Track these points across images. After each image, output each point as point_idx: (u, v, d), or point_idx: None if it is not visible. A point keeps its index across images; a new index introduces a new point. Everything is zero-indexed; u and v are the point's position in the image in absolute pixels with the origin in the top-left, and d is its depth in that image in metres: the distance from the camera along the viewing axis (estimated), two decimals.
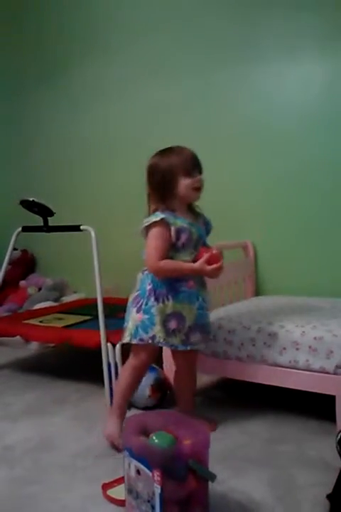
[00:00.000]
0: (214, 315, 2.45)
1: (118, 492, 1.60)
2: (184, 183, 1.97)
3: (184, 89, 3.44)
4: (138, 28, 3.63)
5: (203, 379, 2.68)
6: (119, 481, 1.64)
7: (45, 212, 2.80)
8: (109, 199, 3.84)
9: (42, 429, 2.21)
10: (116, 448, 1.93)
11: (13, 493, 1.70)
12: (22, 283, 4.07)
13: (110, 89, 3.81)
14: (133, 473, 1.44)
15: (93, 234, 2.59)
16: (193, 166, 1.99)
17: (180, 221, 1.97)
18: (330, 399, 2.01)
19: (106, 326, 2.43)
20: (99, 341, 2.41)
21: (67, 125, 4.07)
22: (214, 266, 1.95)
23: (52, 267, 4.21)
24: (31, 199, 2.77)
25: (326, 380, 2.03)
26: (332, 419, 1.99)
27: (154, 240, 1.95)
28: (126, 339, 2.02)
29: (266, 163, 3.14)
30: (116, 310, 3.10)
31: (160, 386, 2.35)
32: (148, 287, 1.98)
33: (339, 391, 1.98)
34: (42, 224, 2.83)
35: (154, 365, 2.39)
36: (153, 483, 1.36)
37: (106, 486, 1.66)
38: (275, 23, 3.05)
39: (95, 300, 2.52)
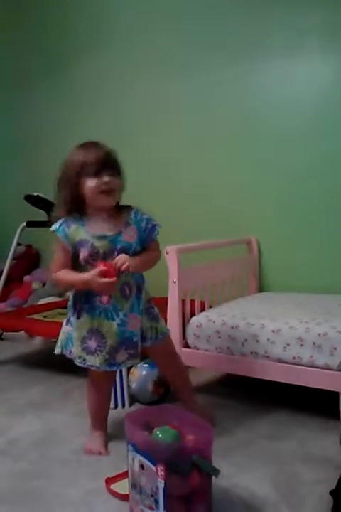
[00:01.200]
0: (217, 311, 2.46)
1: (122, 487, 1.60)
2: (89, 185, 1.78)
3: (187, 86, 3.43)
4: (140, 26, 3.62)
5: (207, 375, 2.69)
6: (123, 475, 1.64)
7: (49, 207, 2.80)
8: None
9: (46, 423, 2.22)
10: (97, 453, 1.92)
11: (17, 487, 1.71)
12: (26, 278, 4.08)
13: (112, 87, 3.81)
14: (136, 467, 1.45)
15: None
16: (100, 166, 1.78)
17: (83, 232, 1.81)
18: (334, 395, 2.01)
19: None
20: None
21: (70, 122, 4.06)
22: (106, 280, 1.72)
23: None
24: (36, 194, 2.79)
25: (330, 376, 2.03)
26: (336, 415, 1.99)
27: (54, 252, 1.87)
28: (57, 349, 1.97)
29: (270, 159, 3.13)
30: None
31: (163, 381, 2.35)
32: (71, 301, 1.92)
33: None
34: (46, 219, 2.84)
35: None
36: (156, 478, 1.37)
37: (109, 481, 1.67)
38: (278, 20, 3.04)
39: None
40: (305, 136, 2.99)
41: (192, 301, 2.52)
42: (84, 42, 3.95)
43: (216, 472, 1.43)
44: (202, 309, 2.54)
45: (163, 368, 2.18)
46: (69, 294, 1.96)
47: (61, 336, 1.97)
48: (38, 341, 3.46)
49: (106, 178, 1.78)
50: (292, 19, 2.98)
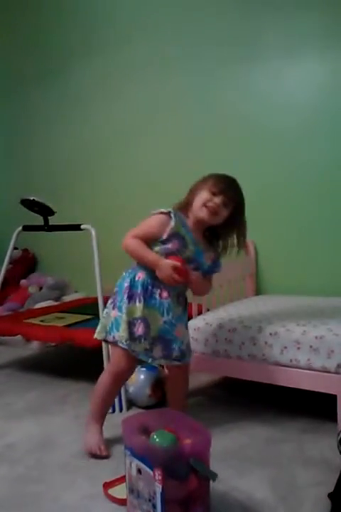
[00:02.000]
0: (214, 314, 2.45)
1: (120, 491, 1.60)
2: (199, 196, 1.95)
3: (183, 88, 3.45)
4: (136, 27, 3.64)
5: (204, 378, 2.68)
6: (120, 480, 1.64)
7: (45, 211, 2.80)
8: (110, 198, 3.84)
9: (43, 428, 2.21)
10: (99, 456, 1.90)
11: (15, 492, 1.70)
12: (23, 282, 4.07)
13: (109, 89, 3.82)
14: (134, 472, 1.44)
15: (93, 233, 2.59)
16: (219, 188, 1.94)
17: (184, 230, 1.95)
18: (331, 398, 2.01)
19: None
20: (100, 341, 2.40)
21: (67, 124, 4.08)
22: (175, 275, 1.87)
23: (52, 266, 4.21)
24: (32, 198, 2.77)
25: (327, 379, 2.03)
26: (333, 418, 1.99)
27: (145, 221, 1.98)
28: (100, 335, 2.03)
29: (267, 162, 3.14)
30: None
31: (161, 385, 2.35)
32: (125, 285, 1.97)
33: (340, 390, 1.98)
34: (42, 223, 2.83)
35: (155, 365, 2.39)
36: (154, 482, 1.36)
37: (107, 485, 1.66)
38: (275, 22, 3.06)
39: (96, 299, 2.52)
40: (302, 138, 3.00)
41: (190, 305, 2.51)
42: (79, 44, 3.96)
43: (213, 476, 1.43)
44: (200, 313, 2.54)
45: (176, 383, 2.13)
46: (122, 280, 2.01)
47: (105, 321, 2.02)
48: (34, 345, 3.46)
49: (217, 200, 1.94)
50: (290, 21, 3.00)
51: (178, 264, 1.88)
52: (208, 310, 2.59)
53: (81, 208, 3.91)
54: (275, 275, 3.15)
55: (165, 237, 1.93)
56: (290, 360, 2.11)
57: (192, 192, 2.00)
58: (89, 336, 2.52)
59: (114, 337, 1.95)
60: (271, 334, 2.17)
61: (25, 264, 4.28)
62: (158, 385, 2.35)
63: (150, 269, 1.94)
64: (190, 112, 3.43)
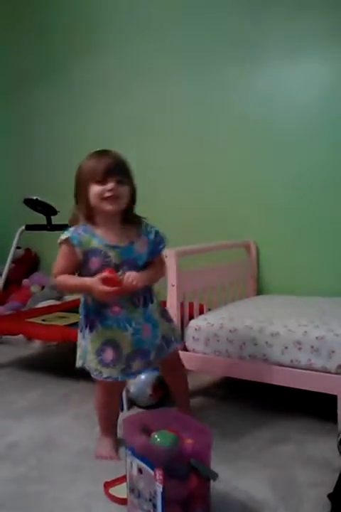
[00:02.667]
0: (216, 314, 2.46)
1: (120, 491, 1.60)
2: (93, 191, 1.80)
3: (185, 89, 3.44)
4: (138, 28, 3.63)
5: (205, 378, 2.69)
6: (121, 479, 1.64)
7: (48, 210, 2.81)
8: None
9: (45, 427, 2.22)
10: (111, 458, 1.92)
11: (16, 491, 1.71)
12: (25, 281, 4.08)
13: (111, 89, 3.82)
14: (135, 472, 1.45)
15: None
16: (107, 173, 1.79)
17: (96, 241, 1.81)
18: (332, 398, 2.02)
19: None
20: None
21: (69, 124, 4.08)
22: (107, 288, 1.71)
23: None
24: (35, 198, 2.79)
25: (328, 379, 2.03)
26: (334, 419, 1.99)
27: (58, 257, 1.86)
28: (78, 363, 1.93)
29: (269, 162, 3.14)
30: None
31: (162, 385, 2.36)
32: (84, 312, 1.90)
33: None
34: (45, 222, 2.84)
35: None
36: (154, 482, 1.37)
37: (108, 485, 1.67)
38: (276, 23, 3.05)
39: None
40: (304, 138, 3.00)
41: (191, 304, 2.53)
42: (81, 44, 3.96)
43: (214, 476, 1.44)
44: (201, 312, 2.55)
45: (171, 373, 2.14)
46: (80, 308, 1.93)
47: (79, 351, 1.93)
48: (36, 345, 3.46)
49: (110, 185, 1.79)
50: (291, 22, 2.99)
51: (103, 274, 1.73)
52: (209, 310, 2.60)
53: None
54: (276, 275, 3.15)
55: (81, 259, 1.82)
56: (291, 361, 2.12)
57: (81, 194, 1.85)
58: None
59: (89, 366, 1.88)
60: (271, 334, 2.18)
61: (28, 264, 4.28)
62: (159, 384, 2.36)
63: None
64: (191, 113, 3.43)
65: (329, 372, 2.03)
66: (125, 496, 1.54)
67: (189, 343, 2.40)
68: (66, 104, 4.09)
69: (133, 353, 1.86)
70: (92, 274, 1.78)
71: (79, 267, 1.84)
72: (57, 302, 3.72)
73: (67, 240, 1.83)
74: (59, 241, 1.86)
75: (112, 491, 1.64)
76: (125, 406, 2.36)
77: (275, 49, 3.07)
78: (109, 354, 1.84)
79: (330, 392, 2.02)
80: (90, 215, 1.85)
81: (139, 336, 1.87)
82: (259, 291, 3.18)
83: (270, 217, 3.14)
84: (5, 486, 1.74)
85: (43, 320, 3.00)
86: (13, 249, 2.99)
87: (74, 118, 4.05)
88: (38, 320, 3.01)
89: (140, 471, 1.43)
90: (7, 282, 3.17)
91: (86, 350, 1.88)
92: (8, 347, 3.48)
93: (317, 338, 2.07)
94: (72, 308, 3.35)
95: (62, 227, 2.79)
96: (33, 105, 4.29)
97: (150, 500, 1.40)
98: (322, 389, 2.05)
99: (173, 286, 2.40)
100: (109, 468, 1.80)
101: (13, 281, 3.93)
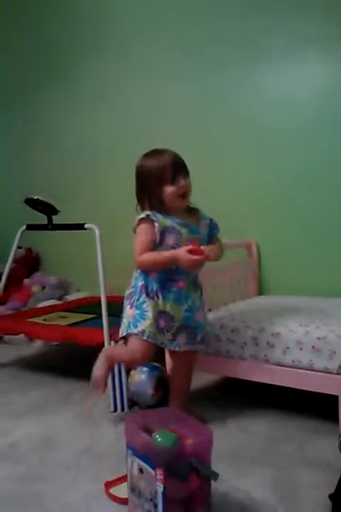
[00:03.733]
0: (216, 314, 2.46)
1: (121, 490, 1.60)
2: (168, 191, 1.98)
3: (186, 88, 3.45)
4: (139, 30, 3.64)
5: (205, 378, 2.68)
6: (122, 479, 1.64)
7: (49, 210, 2.81)
8: (113, 197, 3.85)
9: (46, 427, 2.22)
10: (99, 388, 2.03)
11: (17, 491, 1.71)
12: (26, 281, 4.08)
13: (111, 90, 3.83)
14: (136, 471, 1.45)
15: (97, 232, 2.60)
16: (175, 171, 1.98)
17: (169, 221, 1.99)
18: (333, 399, 2.01)
19: (110, 325, 2.44)
20: (103, 340, 2.42)
21: (70, 125, 4.09)
22: (194, 256, 1.90)
23: (56, 265, 4.22)
24: (36, 197, 2.79)
25: (329, 380, 2.03)
26: (335, 419, 1.99)
27: (138, 236, 2.01)
28: (121, 334, 2.08)
29: (270, 162, 3.13)
30: (119, 309, 3.10)
31: (163, 385, 2.36)
32: (140, 284, 2.03)
33: None
34: (46, 222, 2.84)
35: (157, 364, 2.41)
36: (155, 481, 1.37)
37: (109, 484, 1.67)
38: (277, 24, 3.05)
39: (99, 298, 2.53)
40: (305, 138, 3.00)
41: None
42: (81, 46, 3.97)
43: (215, 476, 1.44)
44: None
45: (178, 373, 2.20)
46: (135, 280, 2.06)
47: (125, 321, 2.06)
48: (37, 344, 3.47)
49: (182, 183, 1.98)
50: (291, 23, 2.99)
51: (190, 247, 1.91)
52: (210, 310, 2.59)
53: (84, 207, 3.91)
54: (277, 275, 3.15)
55: (158, 238, 1.97)
56: (293, 361, 2.11)
57: (151, 193, 2.00)
58: (92, 335, 2.55)
59: (135, 331, 1.99)
60: (273, 334, 2.17)
61: (29, 263, 4.29)
62: (160, 384, 2.36)
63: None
64: (192, 113, 3.43)
65: (331, 373, 2.03)
66: (126, 496, 1.54)
67: None
68: (67, 106, 4.10)
69: (181, 327, 2.04)
70: (167, 250, 1.96)
71: (155, 246, 1.99)
72: (59, 302, 3.72)
73: (147, 217, 1.98)
74: (137, 221, 2.01)
75: (113, 490, 1.64)
76: (126, 405, 2.36)
77: (275, 50, 3.07)
78: (162, 322, 2.01)
79: (331, 393, 2.02)
80: (161, 208, 2.01)
81: (191, 315, 2.05)
82: (260, 291, 3.17)
83: (271, 217, 3.13)
84: (6, 486, 1.75)
85: (44, 320, 3.01)
86: (14, 248, 2.99)
87: (74, 119, 4.05)
88: (39, 320, 3.01)
89: (141, 470, 1.43)
90: (8, 282, 3.16)
91: (137, 318, 2.00)
92: (9, 347, 3.49)
93: (318, 338, 2.06)
94: (73, 308, 3.36)
95: (63, 227, 2.82)
96: (34, 107, 4.29)
97: (151, 500, 1.40)
98: (323, 389, 2.05)
99: None
100: (110, 468, 1.80)
101: (14, 281, 3.93)
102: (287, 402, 2.36)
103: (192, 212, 2.10)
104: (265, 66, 3.12)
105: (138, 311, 2.01)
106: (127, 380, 2.37)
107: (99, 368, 2.05)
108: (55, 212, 2.80)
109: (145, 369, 2.38)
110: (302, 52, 2.97)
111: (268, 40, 3.08)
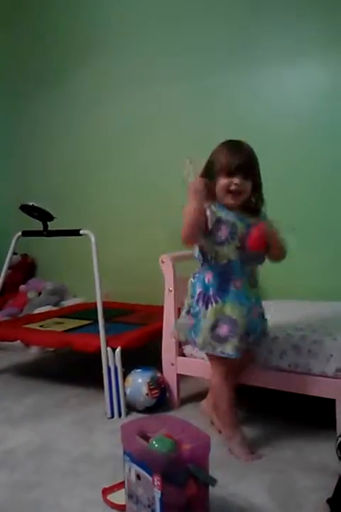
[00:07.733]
0: None
1: (119, 497, 1.59)
2: (221, 183, 1.89)
3: (183, 92, 3.45)
4: (136, 32, 3.65)
5: (203, 384, 2.67)
6: (119, 486, 1.64)
7: (44, 216, 2.80)
8: (109, 203, 3.85)
9: (42, 433, 2.21)
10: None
11: (14, 498, 1.70)
12: (22, 287, 4.07)
13: (108, 92, 3.83)
14: (133, 478, 1.44)
15: (93, 238, 2.59)
16: (237, 167, 1.86)
17: (224, 213, 1.89)
18: (330, 403, 2.01)
19: (106, 331, 2.43)
20: (99, 345, 2.41)
21: (66, 128, 4.09)
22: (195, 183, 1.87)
23: (52, 271, 4.21)
24: (31, 204, 2.78)
25: (326, 383, 2.02)
26: (332, 423, 1.99)
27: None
28: (181, 338, 2.06)
29: (268, 166, 3.10)
30: (115, 314, 3.10)
31: (157, 384, 2.36)
32: (198, 290, 1.95)
33: (339, 395, 1.98)
34: (42, 228, 2.83)
35: (148, 366, 2.43)
36: (153, 488, 1.36)
37: (106, 491, 1.66)
38: (275, 27, 3.06)
39: (95, 304, 2.52)
40: (302, 142, 3.01)
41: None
42: (79, 48, 3.97)
43: (213, 481, 1.43)
44: None
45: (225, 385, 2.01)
46: (193, 287, 1.99)
47: (184, 327, 2.01)
48: (34, 351, 3.46)
49: (236, 180, 1.87)
50: (290, 26, 3.01)
51: (257, 233, 1.87)
52: None
53: (79, 213, 3.91)
54: (275, 280, 3.13)
55: (210, 227, 1.88)
56: (289, 365, 2.11)
57: (208, 178, 1.91)
58: (88, 340, 2.54)
59: (194, 342, 1.95)
60: (270, 339, 2.17)
61: (24, 270, 4.28)
62: (154, 383, 2.35)
63: (216, 266, 1.91)
64: (189, 116, 3.44)
65: (328, 377, 2.03)
66: (123, 503, 1.53)
67: (187, 348, 2.39)
68: (63, 109, 4.09)
69: (245, 331, 1.92)
70: (220, 244, 1.88)
71: (205, 232, 1.89)
72: (55, 308, 3.71)
73: None
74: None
75: (110, 497, 1.63)
76: (123, 411, 2.35)
77: (273, 52, 3.09)
78: (223, 329, 1.88)
79: (329, 397, 2.02)
80: (217, 201, 1.92)
81: (251, 315, 1.94)
82: None
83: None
84: (2, 493, 1.73)
85: (41, 326, 2.99)
86: (9, 255, 2.98)
87: (71, 123, 4.05)
88: (35, 326, 3.00)
89: (138, 477, 1.42)
90: (4, 288, 3.15)
91: (195, 328, 1.93)
92: (6, 353, 3.47)
93: (315, 342, 2.06)
94: (70, 313, 3.35)
95: (59, 233, 2.81)
96: (29, 110, 4.27)
97: (148, 506, 1.39)
98: (320, 393, 2.05)
99: (170, 291, 2.39)
100: (107, 475, 1.79)
101: (10, 287, 3.92)
102: (284, 406, 2.35)
103: (253, 213, 1.98)
104: (263, 69, 3.13)
105: (195, 321, 1.94)
106: (123, 385, 2.37)
107: (236, 449, 1.94)
108: (51, 218, 2.79)
109: (138, 370, 2.40)
110: (301, 56, 2.99)
111: (267, 42, 3.10)
